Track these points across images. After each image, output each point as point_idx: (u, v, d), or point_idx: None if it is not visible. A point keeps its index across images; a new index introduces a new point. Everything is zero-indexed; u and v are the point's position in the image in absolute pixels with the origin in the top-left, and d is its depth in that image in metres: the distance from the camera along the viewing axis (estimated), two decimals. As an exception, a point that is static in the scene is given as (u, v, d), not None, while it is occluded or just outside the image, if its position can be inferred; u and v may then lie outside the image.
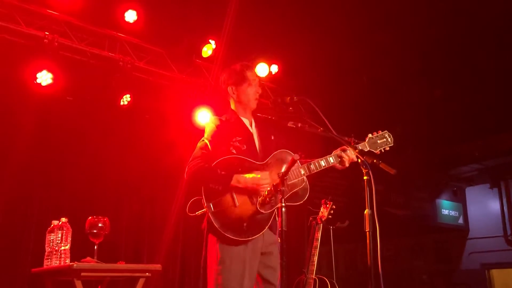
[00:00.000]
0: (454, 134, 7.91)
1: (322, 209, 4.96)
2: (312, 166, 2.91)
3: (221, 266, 2.75)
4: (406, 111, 7.40)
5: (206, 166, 2.84)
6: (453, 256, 11.05)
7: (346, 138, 2.86)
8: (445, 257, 11.16)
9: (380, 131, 3.10)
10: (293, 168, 2.81)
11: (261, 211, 2.79)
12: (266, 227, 2.81)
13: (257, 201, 2.80)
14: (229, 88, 3.11)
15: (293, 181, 2.85)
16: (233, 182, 2.77)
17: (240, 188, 2.77)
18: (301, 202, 2.93)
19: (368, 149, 3.00)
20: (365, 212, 2.41)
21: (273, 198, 2.68)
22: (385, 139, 3.07)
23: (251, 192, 2.79)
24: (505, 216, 10.23)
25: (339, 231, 5.33)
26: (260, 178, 2.79)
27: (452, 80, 6.78)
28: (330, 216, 4.92)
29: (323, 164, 2.93)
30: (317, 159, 2.95)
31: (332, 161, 2.95)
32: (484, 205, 10.71)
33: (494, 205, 10.48)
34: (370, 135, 3.05)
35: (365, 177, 2.48)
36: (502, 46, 5.99)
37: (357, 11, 5.72)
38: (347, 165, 2.98)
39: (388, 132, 3.11)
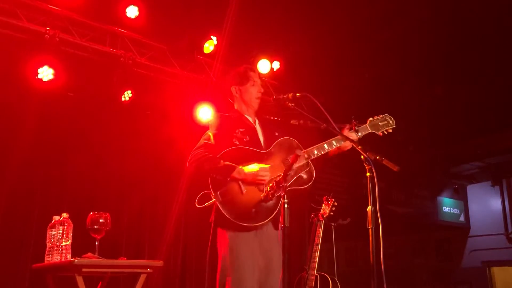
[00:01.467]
0: (456, 131, 7.90)
1: (323, 206, 4.95)
2: (315, 151, 2.95)
3: (232, 257, 2.79)
4: (408, 108, 7.38)
5: (208, 155, 2.89)
6: (454, 253, 11.06)
7: (348, 125, 2.88)
8: (446, 254, 11.17)
9: (381, 115, 3.11)
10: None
11: None
12: (274, 214, 2.83)
13: (264, 188, 2.84)
14: (233, 88, 3.16)
15: (297, 165, 2.87)
16: (234, 173, 2.83)
17: (240, 178, 2.84)
18: (307, 186, 2.96)
19: (370, 130, 3.04)
20: (368, 209, 2.40)
21: (275, 194, 2.68)
22: (386, 121, 3.11)
23: (251, 183, 2.84)
24: (506, 214, 10.24)
25: (341, 228, 5.32)
26: (258, 171, 2.84)
27: (454, 78, 6.76)
28: (331, 213, 4.91)
29: (326, 147, 2.98)
30: (320, 143, 2.98)
31: (335, 144, 2.99)
32: (485, 203, 10.72)
33: (495, 203, 10.48)
34: (371, 118, 3.10)
35: (368, 174, 2.47)
36: (504, 43, 5.97)
37: (359, 8, 5.70)
38: (345, 148, 3.03)
39: (389, 115, 3.12)
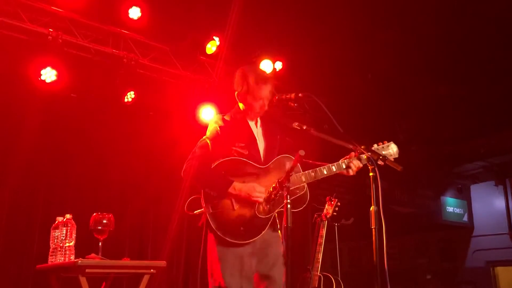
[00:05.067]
0: (460, 131, 7.88)
1: (326, 206, 4.95)
2: (313, 174, 2.90)
3: (219, 264, 2.75)
4: (411, 108, 7.37)
5: (203, 168, 2.82)
6: (457, 253, 11.04)
7: (351, 147, 2.83)
8: (450, 254, 11.15)
9: (386, 142, 3.07)
10: (295, 174, 2.81)
11: (259, 216, 2.79)
12: (264, 231, 2.80)
13: (255, 206, 2.79)
14: (236, 93, 3.06)
15: (293, 188, 2.82)
16: (229, 189, 2.77)
17: (234, 194, 2.77)
18: (300, 208, 2.91)
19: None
20: (371, 208, 2.39)
21: (278, 194, 2.67)
22: (390, 150, 3.05)
23: (244, 200, 2.78)
24: (510, 214, 10.21)
25: (343, 228, 5.32)
26: (254, 190, 2.78)
27: (457, 78, 6.74)
28: (335, 213, 4.91)
29: (325, 173, 2.92)
30: (319, 167, 2.93)
31: (334, 169, 2.93)
32: (489, 203, 10.69)
33: (499, 203, 10.45)
34: (375, 146, 3.02)
35: (371, 174, 2.46)
36: (508, 43, 5.95)
37: (362, 8, 5.69)
38: (352, 173, 2.95)
39: (394, 143, 3.08)
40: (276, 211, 2.81)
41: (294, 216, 2.44)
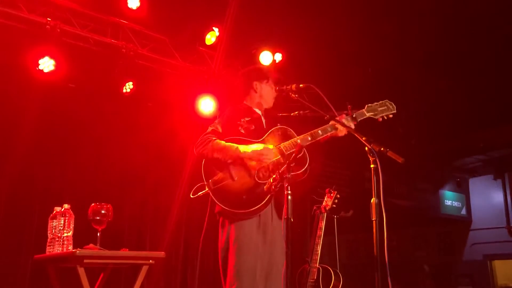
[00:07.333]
0: (459, 125, 7.87)
1: (326, 198, 4.94)
2: (309, 137, 2.96)
3: (236, 245, 2.83)
4: (410, 101, 7.35)
5: (212, 138, 2.96)
6: (455, 247, 11.08)
7: (344, 112, 2.87)
8: (448, 248, 11.19)
9: (381, 101, 3.07)
10: (291, 139, 2.94)
11: (260, 182, 2.86)
12: (266, 199, 2.85)
13: (255, 173, 2.88)
14: (255, 83, 3.20)
15: (290, 151, 2.89)
16: (239, 153, 2.88)
17: (244, 157, 2.86)
18: (301, 171, 2.94)
19: (367, 115, 3.00)
20: (372, 200, 2.37)
21: (279, 185, 2.67)
22: (386, 107, 3.06)
23: (255, 161, 2.86)
24: (508, 208, 10.24)
25: (343, 221, 5.31)
26: (263, 150, 2.88)
27: (457, 71, 6.72)
28: (334, 206, 4.90)
29: (320, 133, 2.97)
30: (314, 129, 2.99)
31: (329, 130, 2.98)
32: (487, 196, 10.71)
33: (497, 196, 10.48)
34: (369, 104, 3.04)
35: (372, 165, 2.44)
36: (508, 36, 5.92)
37: (363, 0, 5.65)
38: (340, 133, 2.99)
39: (389, 101, 3.07)
40: (276, 173, 2.83)
41: (294, 208, 2.44)
